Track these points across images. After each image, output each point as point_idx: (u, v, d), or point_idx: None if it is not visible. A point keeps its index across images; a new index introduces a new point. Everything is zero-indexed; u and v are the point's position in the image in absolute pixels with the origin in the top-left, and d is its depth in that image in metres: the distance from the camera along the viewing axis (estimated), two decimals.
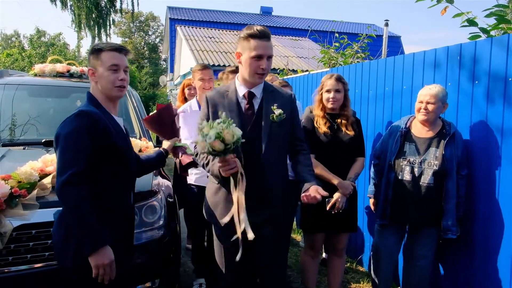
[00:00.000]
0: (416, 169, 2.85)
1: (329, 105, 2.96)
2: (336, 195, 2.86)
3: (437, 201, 2.81)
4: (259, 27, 2.15)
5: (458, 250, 2.99)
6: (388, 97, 3.71)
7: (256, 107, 2.25)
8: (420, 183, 2.83)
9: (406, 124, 3.00)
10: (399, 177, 2.90)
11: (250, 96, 2.26)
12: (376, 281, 3.17)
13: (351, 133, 2.95)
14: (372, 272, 3.23)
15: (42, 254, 2.16)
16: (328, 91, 2.96)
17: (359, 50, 6.91)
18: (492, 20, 3.33)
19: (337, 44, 7.17)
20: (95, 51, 1.96)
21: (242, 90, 2.27)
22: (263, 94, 2.28)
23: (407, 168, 2.87)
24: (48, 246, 2.17)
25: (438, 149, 2.81)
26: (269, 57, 2.17)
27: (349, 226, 3.06)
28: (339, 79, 2.98)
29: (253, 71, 2.16)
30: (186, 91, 4.49)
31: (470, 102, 2.88)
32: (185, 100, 4.47)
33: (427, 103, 2.81)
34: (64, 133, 1.77)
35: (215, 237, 2.42)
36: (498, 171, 2.69)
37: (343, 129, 2.97)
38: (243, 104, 2.26)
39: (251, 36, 2.13)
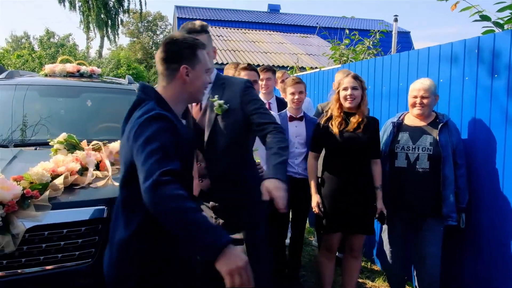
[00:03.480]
0: (411, 155, 2.85)
1: (347, 104, 2.90)
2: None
3: (434, 189, 2.81)
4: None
5: (464, 244, 2.94)
6: (403, 93, 3.63)
7: (204, 101, 2.17)
8: (416, 168, 2.83)
9: (399, 117, 3.05)
10: (395, 165, 2.92)
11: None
12: (389, 275, 3.22)
13: (360, 133, 2.88)
14: (385, 268, 3.21)
15: (55, 256, 2.13)
16: (345, 88, 2.91)
17: (371, 46, 6.82)
18: (503, 14, 3.25)
19: (347, 41, 7.09)
20: (191, 47, 1.68)
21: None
22: (212, 87, 2.19)
23: (402, 155, 2.88)
24: (61, 247, 2.14)
25: (432, 136, 2.84)
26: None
27: (366, 227, 3.00)
28: (356, 77, 2.93)
29: None
30: None
31: (490, 97, 2.80)
32: None
33: (422, 97, 2.86)
34: (144, 138, 1.47)
35: None
36: None
37: (357, 129, 2.90)
38: None
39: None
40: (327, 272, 3.13)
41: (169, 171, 1.39)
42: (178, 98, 1.70)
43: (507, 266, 2.69)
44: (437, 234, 2.88)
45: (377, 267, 4.05)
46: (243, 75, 3.08)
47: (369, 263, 4.12)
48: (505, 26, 3.21)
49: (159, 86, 1.72)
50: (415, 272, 3.09)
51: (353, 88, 2.89)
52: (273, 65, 12.37)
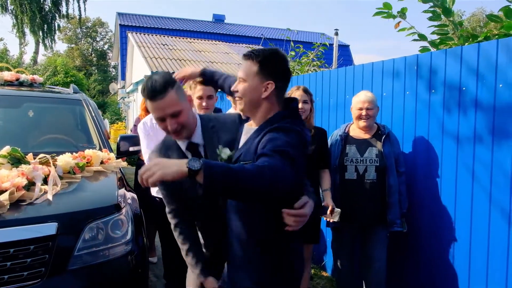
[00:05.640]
0: (359, 167, 2.99)
1: None
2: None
3: (381, 198, 2.97)
4: (148, 86, 1.70)
5: (406, 247, 3.16)
6: (349, 105, 3.79)
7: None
8: (365, 180, 2.97)
9: (345, 130, 3.17)
10: (345, 177, 3.04)
11: (193, 148, 1.83)
12: (338, 282, 3.32)
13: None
14: (334, 274, 3.33)
15: (1, 278, 1.99)
16: None
17: (314, 58, 7.09)
18: (436, 36, 3.58)
19: (292, 53, 7.32)
20: None
21: (183, 144, 1.84)
22: (203, 137, 1.84)
23: (352, 168, 3.01)
24: (7, 268, 2.01)
25: (377, 147, 2.99)
26: (174, 115, 1.71)
27: (312, 237, 3.10)
28: (306, 91, 3.05)
29: (165, 131, 1.80)
30: None
31: (428, 110, 3.03)
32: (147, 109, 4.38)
33: (367, 109, 2.99)
34: None
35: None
36: (455, 176, 2.84)
37: None
38: (190, 156, 1.83)
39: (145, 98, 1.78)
40: None
41: None
42: None
43: (446, 268, 2.91)
44: (383, 240, 3.05)
45: (326, 273, 4.18)
46: (199, 89, 2.83)
47: (318, 270, 4.24)
48: (440, 47, 3.51)
49: None
50: (363, 276, 3.23)
51: (304, 102, 3.01)
52: None
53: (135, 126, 4.37)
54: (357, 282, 3.32)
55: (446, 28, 3.53)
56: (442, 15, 3.47)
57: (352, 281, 3.28)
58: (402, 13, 3.61)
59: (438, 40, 3.56)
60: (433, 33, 3.53)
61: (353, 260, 3.24)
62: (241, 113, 1.79)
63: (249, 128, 1.75)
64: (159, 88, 1.67)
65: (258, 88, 1.63)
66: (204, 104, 2.85)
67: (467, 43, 3.32)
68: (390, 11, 3.61)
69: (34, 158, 2.66)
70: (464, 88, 2.77)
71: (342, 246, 3.22)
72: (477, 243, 2.70)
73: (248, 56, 1.67)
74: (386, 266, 3.08)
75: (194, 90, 2.89)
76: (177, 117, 1.71)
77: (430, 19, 3.50)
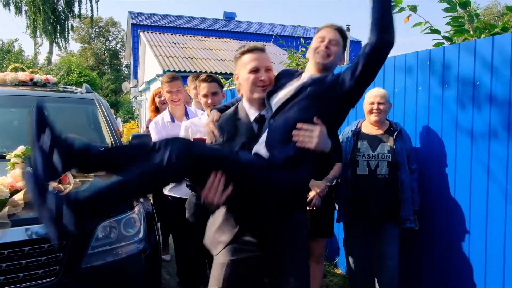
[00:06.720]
0: (371, 163, 2.98)
1: None
2: (312, 194, 2.88)
3: (393, 194, 2.94)
4: (250, 44, 2.07)
5: (420, 245, 3.15)
6: (361, 101, 3.75)
7: None
8: (377, 175, 2.96)
9: (356, 126, 3.17)
10: (357, 172, 3.03)
11: (262, 120, 1.98)
12: (351, 279, 3.31)
13: None
14: (347, 271, 3.32)
15: (16, 276, 2.03)
16: None
17: None
18: (450, 27, 3.50)
19: (303, 49, 7.28)
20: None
21: (252, 114, 2.01)
22: None
23: (363, 163, 3.00)
24: (22, 266, 2.05)
25: (389, 143, 2.98)
26: (267, 69, 2.00)
27: (327, 231, 3.09)
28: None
29: (252, 84, 1.97)
30: (157, 99, 4.43)
31: (441, 106, 2.98)
32: (156, 109, 4.42)
33: (378, 103, 2.98)
34: None
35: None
36: (469, 172, 2.79)
37: None
38: (256, 128, 1.98)
39: (243, 53, 2.03)
40: None
41: None
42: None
43: (461, 266, 2.86)
44: (395, 236, 3.03)
45: (340, 271, 4.16)
46: (203, 87, 2.90)
47: (331, 267, 4.22)
48: (454, 39, 3.44)
49: None
50: (375, 274, 3.21)
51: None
52: (231, 73, 12.40)
53: (148, 128, 4.42)
54: (369, 280, 3.30)
55: (461, 20, 3.45)
56: (457, 7, 3.39)
57: (365, 278, 3.27)
58: (413, 6, 3.54)
59: (453, 32, 3.49)
60: (447, 23, 3.45)
61: (365, 257, 3.22)
62: (320, 62, 2.01)
63: (309, 74, 2.03)
64: (260, 46, 2.05)
65: (340, 56, 2.05)
66: (209, 101, 2.90)
67: (483, 35, 3.25)
68: (400, 4, 3.51)
69: None
70: (478, 83, 2.72)
71: (354, 243, 3.20)
72: (493, 240, 2.66)
73: (338, 29, 2.04)
74: (399, 264, 3.06)
75: (199, 89, 2.91)
76: (269, 72, 2.02)
77: (446, 10, 3.42)
